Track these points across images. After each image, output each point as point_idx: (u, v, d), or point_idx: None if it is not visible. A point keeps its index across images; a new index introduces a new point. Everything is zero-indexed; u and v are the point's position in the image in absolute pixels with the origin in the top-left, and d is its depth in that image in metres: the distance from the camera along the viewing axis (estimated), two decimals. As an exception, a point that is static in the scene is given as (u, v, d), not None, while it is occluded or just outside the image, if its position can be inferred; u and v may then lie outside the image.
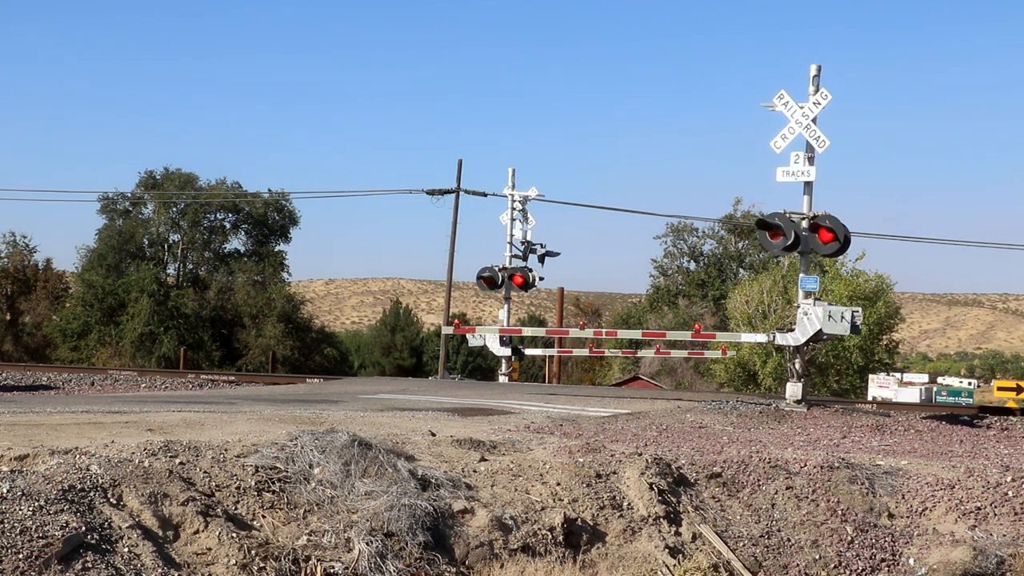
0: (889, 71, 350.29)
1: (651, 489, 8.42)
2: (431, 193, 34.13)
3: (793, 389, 15.70)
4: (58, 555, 5.89)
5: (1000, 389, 33.62)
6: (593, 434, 11.12)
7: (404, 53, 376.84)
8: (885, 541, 8.59)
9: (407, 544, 7.11)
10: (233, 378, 22.70)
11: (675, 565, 7.77)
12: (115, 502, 6.63)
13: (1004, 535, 8.52)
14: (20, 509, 6.15)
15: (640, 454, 9.02)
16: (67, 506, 6.33)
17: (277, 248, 59.63)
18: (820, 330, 15.38)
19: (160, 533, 6.54)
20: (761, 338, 17.92)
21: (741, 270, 62.28)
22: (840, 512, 8.77)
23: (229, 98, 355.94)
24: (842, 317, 15.24)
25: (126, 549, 6.24)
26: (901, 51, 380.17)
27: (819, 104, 15.37)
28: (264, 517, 7.04)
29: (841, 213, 15.55)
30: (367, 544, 6.93)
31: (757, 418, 13.67)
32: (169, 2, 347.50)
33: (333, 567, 6.74)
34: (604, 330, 27.18)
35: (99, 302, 52.28)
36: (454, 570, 7.24)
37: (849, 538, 8.52)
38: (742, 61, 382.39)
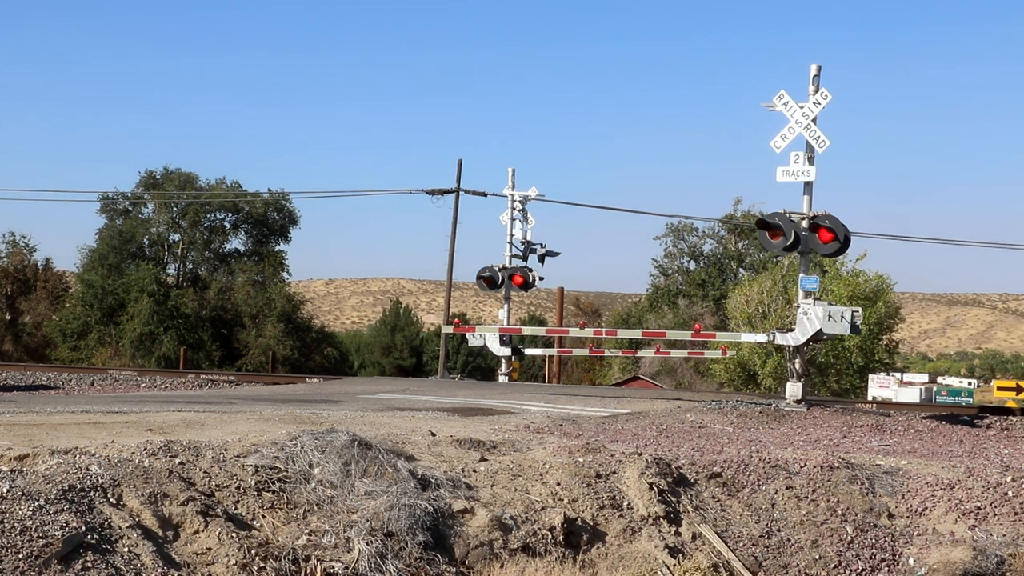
0: (889, 71, 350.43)
1: (651, 489, 8.42)
2: (431, 193, 34.14)
3: (793, 389, 15.70)
4: (58, 555, 5.89)
5: (1000, 389, 33.59)
6: (593, 434, 11.12)
7: (404, 53, 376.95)
8: (885, 541, 8.59)
9: (407, 544, 7.12)
10: (233, 378, 22.70)
11: (675, 565, 7.77)
12: (115, 502, 6.63)
13: (1004, 535, 8.52)
14: (20, 509, 6.15)
15: (640, 454, 9.02)
16: (67, 506, 6.33)
17: (277, 248, 59.64)
18: (820, 330, 15.38)
19: (160, 533, 6.54)
20: (761, 338, 17.92)
21: (741, 270, 62.26)
22: (840, 512, 8.77)
23: (229, 98, 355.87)
24: (842, 317, 15.25)
25: (126, 549, 6.24)
26: (901, 51, 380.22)
27: (819, 104, 15.37)
28: (264, 517, 7.04)
29: (841, 213, 15.58)
30: (367, 544, 6.93)
31: (757, 418, 13.67)
32: (169, 2, 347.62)
33: (333, 567, 6.75)
34: (604, 330, 27.18)
35: (99, 302, 52.27)
36: (454, 570, 7.24)
37: (849, 538, 8.52)
38: (742, 61, 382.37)
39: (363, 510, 7.27)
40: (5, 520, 6.01)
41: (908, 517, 8.92)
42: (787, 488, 8.95)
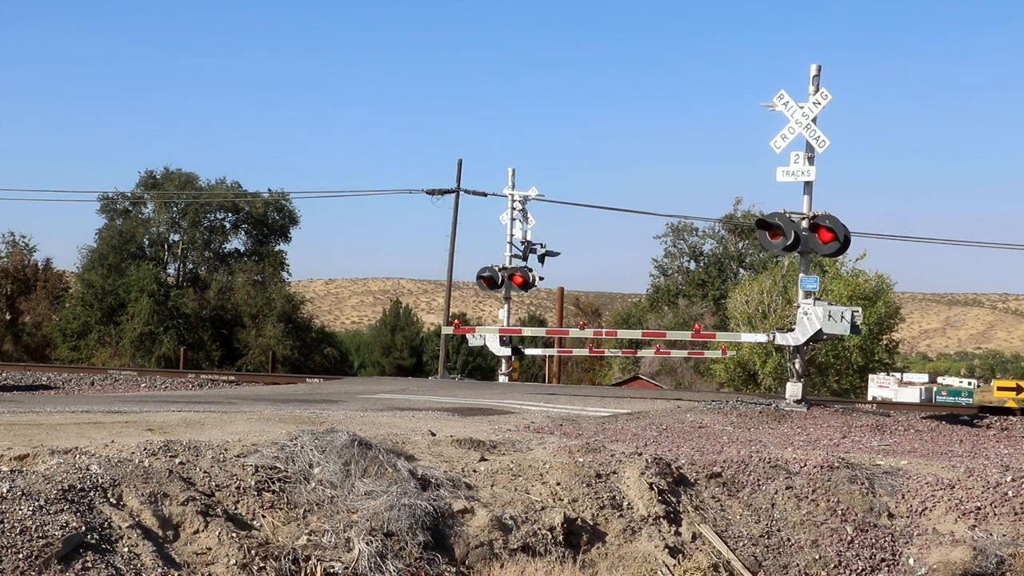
0: (889, 70, 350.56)
1: (651, 489, 8.42)
2: (431, 193, 34.14)
3: (793, 389, 15.70)
4: (58, 555, 5.89)
5: (1000, 389, 33.58)
6: (593, 434, 11.12)
7: (404, 53, 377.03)
8: (885, 541, 8.59)
9: (407, 544, 7.12)
10: (233, 378, 22.70)
11: (675, 565, 7.77)
12: (115, 502, 6.63)
13: (1004, 535, 8.52)
14: (20, 509, 6.14)
15: (640, 454, 9.02)
16: (67, 506, 6.33)
17: (277, 248, 59.68)
18: (820, 330, 15.38)
19: (160, 533, 6.54)
20: (761, 338, 17.92)
21: (741, 270, 62.26)
22: (840, 512, 8.77)
23: (229, 98, 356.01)
24: (842, 317, 15.24)
25: (126, 549, 6.24)
26: (901, 51, 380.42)
27: (819, 104, 15.37)
28: (264, 517, 7.04)
29: (841, 213, 15.58)
30: (367, 544, 6.93)
31: (757, 418, 13.67)
32: (169, 2, 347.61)
33: (333, 567, 6.75)
34: (604, 330, 27.17)
35: (99, 302, 52.29)
36: (454, 570, 7.24)
37: (849, 538, 8.52)
38: (742, 61, 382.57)
39: (363, 510, 7.27)
40: (5, 520, 6.01)
41: (908, 517, 8.92)
42: (787, 488, 8.95)
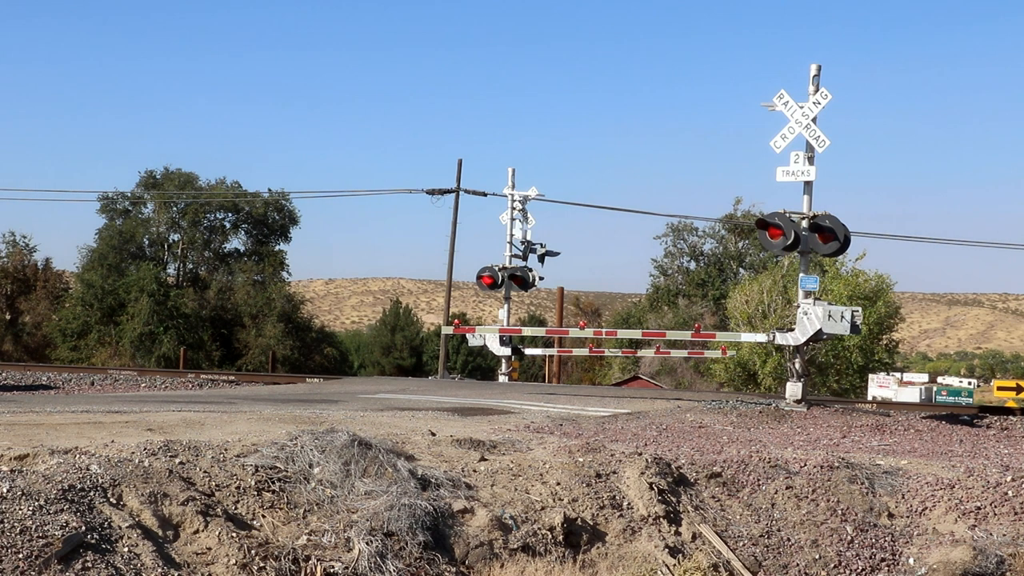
0: (889, 71, 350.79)
1: (651, 489, 8.42)
2: (431, 193, 34.15)
3: (793, 389, 15.70)
4: (58, 555, 5.89)
5: (1000, 389, 33.52)
6: (593, 434, 11.12)
7: (404, 53, 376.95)
8: (885, 541, 8.59)
9: (407, 544, 7.12)
10: (233, 378, 22.69)
11: (675, 565, 7.77)
12: (115, 502, 6.63)
13: (1004, 535, 8.52)
14: (20, 509, 6.15)
15: (640, 454, 9.02)
16: (67, 506, 6.33)
17: (277, 248, 59.73)
18: (820, 330, 15.38)
19: (160, 533, 6.54)
20: (761, 338, 17.92)
21: (741, 270, 62.25)
22: (840, 512, 8.77)
23: (229, 98, 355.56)
24: (842, 317, 15.25)
25: (126, 549, 6.24)
26: (901, 51, 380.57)
27: (819, 104, 15.37)
28: (264, 517, 7.04)
29: (841, 213, 15.59)
30: (367, 544, 6.93)
31: (757, 418, 13.67)
32: (168, 2, 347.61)
33: (333, 567, 6.75)
34: (604, 330, 27.16)
35: (99, 302, 52.30)
36: (454, 570, 7.24)
37: (849, 538, 8.52)
38: (742, 61, 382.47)
39: (363, 510, 7.27)
40: (5, 520, 6.01)
41: (908, 517, 8.93)
42: (787, 488, 8.95)
